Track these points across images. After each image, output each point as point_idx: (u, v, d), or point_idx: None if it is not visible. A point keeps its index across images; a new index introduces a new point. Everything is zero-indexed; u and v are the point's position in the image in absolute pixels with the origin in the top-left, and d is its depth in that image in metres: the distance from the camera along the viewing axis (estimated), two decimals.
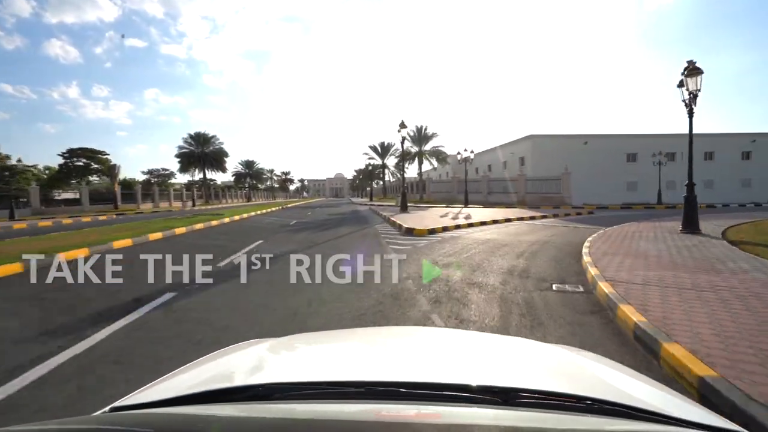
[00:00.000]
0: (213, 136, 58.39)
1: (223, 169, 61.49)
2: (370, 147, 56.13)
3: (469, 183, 37.30)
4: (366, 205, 37.56)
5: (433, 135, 38.29)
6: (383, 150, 54.52)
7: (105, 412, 0.80)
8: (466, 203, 29.37)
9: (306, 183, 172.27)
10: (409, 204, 32.06)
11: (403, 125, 19.41)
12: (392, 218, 16.00)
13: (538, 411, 0.71)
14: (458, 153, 30.12)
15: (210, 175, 61.53)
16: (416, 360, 1.13)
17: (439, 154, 38.20)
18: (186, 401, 0.81)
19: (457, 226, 13.20)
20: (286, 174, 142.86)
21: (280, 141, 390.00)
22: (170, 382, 0.98)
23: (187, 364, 1.15)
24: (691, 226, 10.36)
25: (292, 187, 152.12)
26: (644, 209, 23.88)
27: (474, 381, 0.82)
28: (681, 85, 10.45)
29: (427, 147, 38.63)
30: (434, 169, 63.61)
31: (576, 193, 30.41)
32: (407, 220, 15.26)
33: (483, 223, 14.58)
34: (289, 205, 39.06)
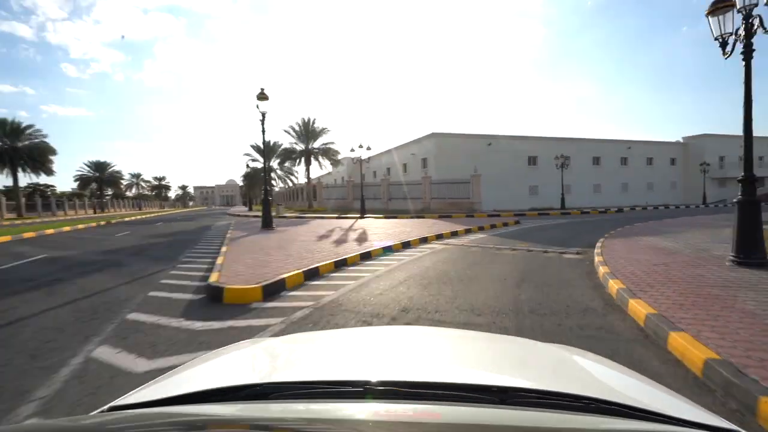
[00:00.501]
0: (29, 126, 43.10)
1: (48, 171, 46.11)
2: (253, 147, 47.36)
3: (366, 188, 31.74)
4: (239, 216, 29.48)
5: (324, 130, 31.92)
6: (268, 150, 46.26)
7: (103, 411, 0.80)
8: (363, 213, 23.58)
9: (191, 190, 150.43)
10: (288, 215, 25.16)
11: (263, 96, 12.58)
12: (224, 248, 9.02)
13: (536, 410, 0.70)
14: (352, 150, 24.22)
15: (33, 178, 45.72)
16: (415, 359, 1.10)
17: (330, 153, 31.84)
18: (185, 400, 0.79)
19: (342, 264, 6.94)
20: (160, 180, 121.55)
21: (163, 144, 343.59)
22: (169, 381, 0.94)
23: (186, 363, 1.13)
24: (755, 251, 5.68)
25: (172, 195, 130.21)
26: (561, 215, 20.88)
27: (472, 380, 0.84)
28: (718, 10, 5.78)
29: (317, 144, 32.06)
30: (329, 173, 57.39)
31: (483, 198, 26.96)
32: (245, 254, 8.45)
33: (388, 250, 8.59)
34: (126, 219, 28.62)
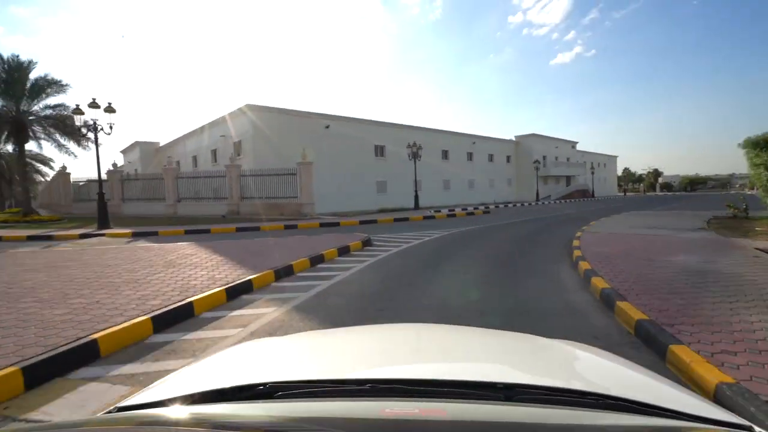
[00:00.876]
0: None
1: None
2: None
3: (143, 182, 20.66)
4: None
5: (55, 85, 18.62)
6: None
7: (110, 411, 0.80)
8: (103, 224, 13.05)
9: None
10: None
11: None
12: None
13: (541, 407, 0.69)
14: (77, 110, 13.25)
15: None
16: (419, 356, 1.09)
17: (65, 125, 18.47)
18: (190, 400, 0.79)
19: None
20: None
21: None
22: (174, 382, 0.93)
23: (192, 364, 1.13)
24: None
25: None
26: (425, 221, 14.69)
27: (477, 377, 0.83)
28: None
29: (40, 106, 18.64)
30: (124, 165, 41.14)
31: (317, 197, 19.47)
32: None
33: None
34: None
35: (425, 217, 15.35)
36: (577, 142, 50.50)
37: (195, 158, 29.41)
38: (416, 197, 23.35)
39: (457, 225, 12.42)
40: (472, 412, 0.67)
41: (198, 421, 0.67)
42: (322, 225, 12.81)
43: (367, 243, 8.16)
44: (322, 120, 24.70)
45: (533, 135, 42.15)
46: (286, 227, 12.27)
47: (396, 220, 14.41)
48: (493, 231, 10.74)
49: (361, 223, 13.49)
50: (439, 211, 18.72)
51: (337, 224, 13.06)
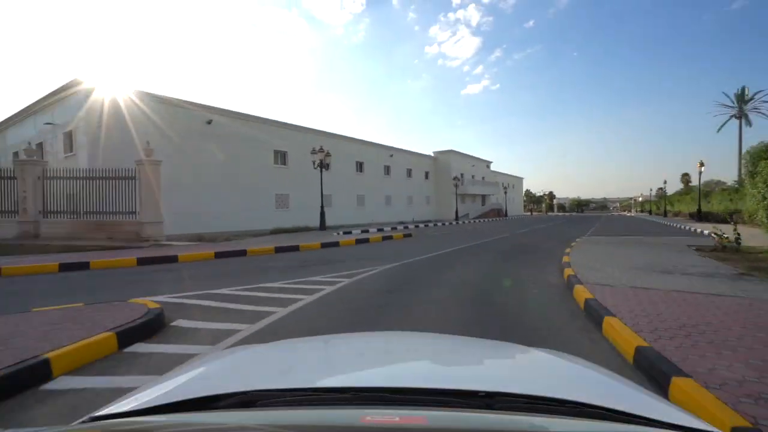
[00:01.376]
0: None
1: None
2: None
3: None
4: None
5: None
6: None
7: (84, 421, 0.77)
8: None
9: None
10: None
11: None
12: None
13: (521, 414, 0.69)
14: None
15: None
16: (401, 365, 1.10)
17: None
18: (169, 409, 0.76)
19: None
20: None
21: None
22: (153, 390, 0.89)
23: (170, 372, 1.11)
24: None
25: None
26: (324, 249, 10.20)
27: (458, 385, 0.83)
28: None
29: None
30: None
31: (182, 211, 13.95)
32: None
33: None
34: None
35: (325, 245, 10.85)
36: (491, 162, 50.88)
37: (17, 155, 21.28)
38: (322, 215, 18.89)
39: (369, 259, 8.20)
40: (452, 420, 0.67)
41: (175, 430, 0.65)
42: (143, 262, 7.56)
43: (144, 330, 3.39)
44: (204, 113, 19.04)
45: (451, 151, 40.71)
46: (64, 268, 6.81)
47: (279, 250, 9.66)
48: (426, 273, 6.71)
49: (219, 255, 8.52)
50: (349, 233, 14.47)
51: (176, 259, 7.93)
